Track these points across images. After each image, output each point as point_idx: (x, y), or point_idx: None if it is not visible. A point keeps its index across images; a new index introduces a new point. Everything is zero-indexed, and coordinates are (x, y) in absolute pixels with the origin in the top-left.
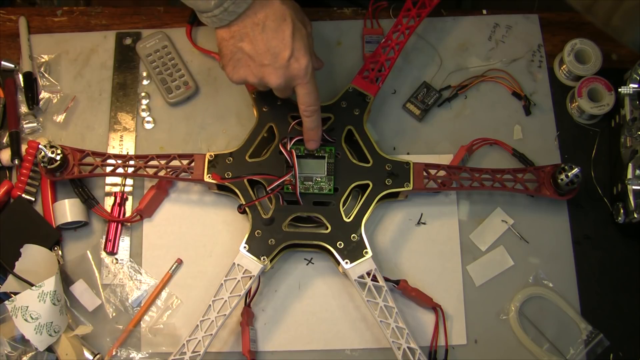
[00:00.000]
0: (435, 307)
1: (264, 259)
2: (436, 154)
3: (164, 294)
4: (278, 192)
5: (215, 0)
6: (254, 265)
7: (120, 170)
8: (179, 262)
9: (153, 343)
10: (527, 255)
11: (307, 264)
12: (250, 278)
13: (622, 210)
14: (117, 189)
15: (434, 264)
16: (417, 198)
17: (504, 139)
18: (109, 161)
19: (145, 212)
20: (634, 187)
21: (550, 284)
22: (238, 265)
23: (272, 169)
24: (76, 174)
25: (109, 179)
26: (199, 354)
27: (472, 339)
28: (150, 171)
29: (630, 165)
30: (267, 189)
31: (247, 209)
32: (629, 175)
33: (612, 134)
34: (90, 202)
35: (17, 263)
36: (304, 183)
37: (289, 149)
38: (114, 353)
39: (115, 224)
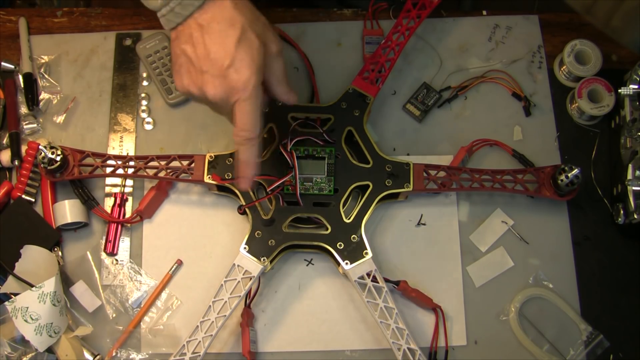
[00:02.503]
0: (435, 308)
1: (264, 259)
2: (436, 154)
3: (164, 295)
4: (278, 193)
5: (161, 0)
6: (254, 266)
7: (120, 171)
8: (179, 263)
9: (153, 344)
10: (527, 256)
11: (307, 265)
12: (250, 279)
13: (622, 211)
14: (117, 189)
15: (434, 265)
16: (417, 199)
17: (504, 139)
18: (109, 162)
19: (145, 213)
20: (634, 188)
21: (550, 284)
22: (238, 266)
23: (272, 170)
24: (76, 175)
25: (109, 180)
26: (199, 355)
27: (472, 339)
28: (150, 172)
29: (630, 166)
30: (267, 190)
31: (247, 210)
32: (629, 176)
33: (612, 135)
34: (90, 203)
35: (17, 264)
36: (304, 184)
37: (289, 149)
38: (114, 354)
39: (115, 224)
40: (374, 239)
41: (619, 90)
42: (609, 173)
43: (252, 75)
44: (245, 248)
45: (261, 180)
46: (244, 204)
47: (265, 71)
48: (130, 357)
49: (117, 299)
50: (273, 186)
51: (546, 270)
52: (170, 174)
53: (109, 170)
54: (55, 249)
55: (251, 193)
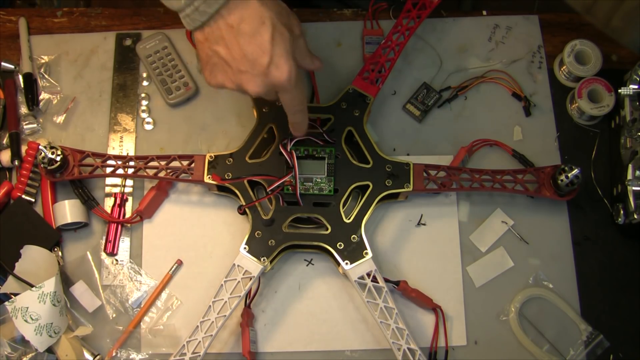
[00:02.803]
0: (435, 308)
1: (264, 259)
2: (436, 154)
3: (164, 295)
4: (278, 193)
5: (185, 0)
6: (254, 266)
7: (120, 171)
8: (179, 263)
9: (153, 344)
10: (527, 256)
11: (307, 265)
12: (250, 279)
13: (622, 211)
14: (117, 189)
15: (434, 265)
16: (417, 199)
17: (504, 140)
18: (109, 162)
19: (145, 213)
20: (634, 188)
21: (550, 285)
22: (238, 266)
23: (272, 170)
24: (76, 175)
25: (109, 180)
26: (199, 355)
27: (472, 340)
28: (151, 172)
29: (630, 166)
30: (267, 190)
31: (247, 210)
32: (629, 176)
33: (612, 135)
34: (90, 203)
35: (17, 264)
36: (304, 184)
37: (289, 149)
38: (114, 354)
39: (115, 225)
40: (374, 239)
41: (619, 90)
42: (609, 173)
43: (291, 67)
44: (245, 248)
45: (261, 180)
46: (244, 204)
47: None
48: (130, 357)
49: (117, 299)
50: (273, 186)
51: (546, 270)
52: (170, 174)
53: (109, 170)
54: (55, 249)
55: (251, 193)
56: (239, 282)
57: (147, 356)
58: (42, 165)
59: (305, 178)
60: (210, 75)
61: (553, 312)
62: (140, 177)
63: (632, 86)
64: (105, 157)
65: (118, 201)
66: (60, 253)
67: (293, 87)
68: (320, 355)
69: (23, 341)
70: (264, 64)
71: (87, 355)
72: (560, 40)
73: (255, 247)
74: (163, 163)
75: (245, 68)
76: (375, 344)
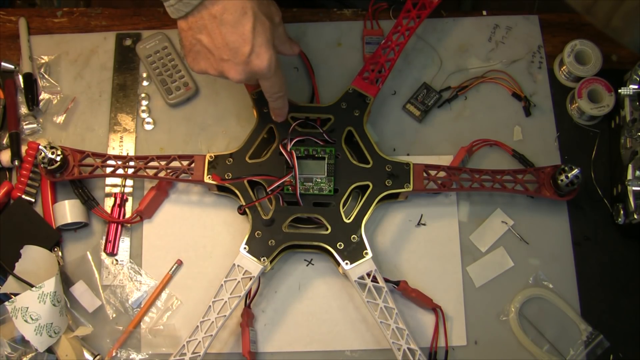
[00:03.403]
0: (435, 308)
1: (264, 259)
2: (436, 154)
3: (164, 295)
4: (278, 193)
5: None
6: (254, 266)
7: (120, 171)
8: (179, 263)
9: (153, 344)
10: (527, 256)
11: (307, 265)
12: (250, 279)
13: (622, 211)
14: (117, 190)
15: (434, 265)
16: (417, 199)
17: (504, 140)
18: (109, 162)
19: (145, 213)
20: (634, 188)
21: (550, 285)
22: (238, 266)
23: (272, 170)
24: (76, 175)
25: (109, 180)
26: (199, 355)
27: (472, 340)
28: (151, 172)
29: (630, 166)
30: (267, 190)
31: (247, 210)
32: (629, 176)
33: (612, 135)
34: (90, 203)
35: (17, 264)
36: (304, 184)
37: (289, 149)
38: (114, 354)
39: (115, 225)
40: (374, 239)
41: (619, 91)
42: (609, 173)
43: (271, 55)
44: (245, 248)
45: (261, 180)
46: (244, 204)
47: None
48: (130, 357)
49: (117, 299)
50: (273, 186)
51: (546, 271)
52: (170, 174)
53: (109, 170)
54: (55, 249)
55: (251, 193)
56: (239, 282)
57: (147, 356)
58: (42, 166)
59: (305, 178)
60: (193, 61)
61: (553, 312)
62: (140, 177)
63: (632, 86)
64: (105, 157)
65: (118, 201)
66: (60, 253)
67: (273, 74)
68: (320, 355)
69: (23, 341)
70: (246, 53)
71: (87, 355)
72: (560, 40)
73: (255, 247)
74: (163, 163)
75: (228, 56)
76: (375, 344)
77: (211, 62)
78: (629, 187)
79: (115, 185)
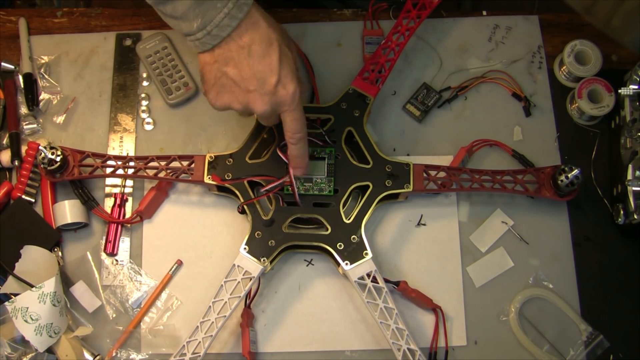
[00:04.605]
0: (435, 308)
1: (264, 260)
2: (436, 155)
3: (164, 295)
4: (278, 193)
5: (198, 24)
6: (254, 266)
7: (120, 171)
8: (179, 264)
9: (153, 344)
10: (527, 257)
11: (307, 266)
12: (250, 279)
13: (622, 212)
14: (117, 190)
15: (434, 265)
16: (417, 199)
17: (504, 140)
18: (109, 162)
19: (145, 213)
20: (634, 189)
21: (550, 285)
22: (238, 266)
23: (272, 170)
24: (76, 175)
25: (109, 181)
26: (199, 355)
27: (472, 340)
28: (150, 172)
29: (630, 166)
30: (262, 190)
31: (246, 209)
32: (629, 177)
33: (612, 135)
34: (90, 203)
35: (17, 264)
36: (304, 184)
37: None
38: (114, 354)
39: (115, 225)
40: (374, 239)
41: (619, 91)
42: (609, 173)
43: (296, 86)
44: (245, 248)
45: (260, 180)
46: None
47: None
48: (130, 357)
49: (117, 299)
50: (269, 187)
51: (546, 271)
52: (170, 174)
53: (109, 170)
54: (55, 249)
55: (251, 193)
56: (239, 282)
57: (147, 356)
58: (42, 166)
59: (305, 178)
60: (216, 96)
61: (553, 312)
62: (140, 177)
63: (632, 86)
64: (105, 157)
65: (118, 201)
66: (60, 253)
67: (296, 108)
68: (320, 355)
69: (23, 341)
70: (273, 83)
71: (87, 355)
72: (560, 40)
73: (255, 248)
74: (163, 163)
75: (254, 87)
76: (375, 344)
77: (236, 95)
78: (629, 187)
79: (115, 186)
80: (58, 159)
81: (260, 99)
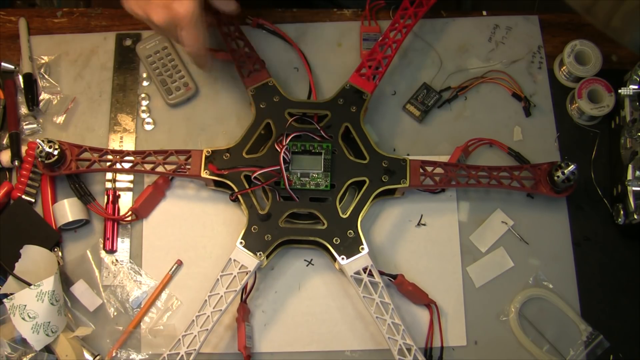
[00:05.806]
0: (429, 304)
1: (260, 254)
2: (436, 155)
3: (164, 295)
4: (274, 188)
5: None
6: (250, 260)
7: (117, 165)
8: (179, 264)
9: (153, 344)
10: (527, 257)
11: (307, 265)
12: (247, 273)
13: (622, 212)
14: (114, 185)
15: (434, 265)
16: (417, 198)
17: (504, 140)
18: (107, 156)
19: (140, 211)
20: (634, 189)
21: (550, 285)
22: (234, 260)
23: (269, 165)
24: (74, 169)
25: (109, 176)
26: (195, 350)
27: (472, 340)
28: (148, 167)
29: (630, 166)
30: (252, 177)
31: (241, 199)
32: (629, 177)
33: (612, 135)
34: (86, 198)
35: (17, 264)
36: (300, 179)
37: (285, 144)
38: (114, 354)
39: (112, 221)
40: (371, 236)
41: (619, 91)
42: (609, 173)
43: (194, 6)
44: (241, 242)
45: (257, 171)
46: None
47: None
48: (130, 357)
49: (117, 299)
50: (257, 172)
51: (546, 271)
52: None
53: (106, 165)
54: (55, 249)
55: (246, 185)
56: (235, 276)
57: (147, 356)
58: (39, 160)
59: (302, 173)
60: (124, 1)
61: (553, 312)
62: (137, 171)
63: (632, 86)
64: (102, 151)
65: (111, 198)
66: (60, 253)
67: (193, 27)
68: (320, 355)
69: (23, 341)
70: None
71: (87, 355)
72: (560, 40)
73: (252, 242)
74: (160, 158)
75: None
76: (375, 345)
77: (140, 3)
78: (629, 187)
79: (110, 181)
80: (55, 152)
81: (156, 10)
